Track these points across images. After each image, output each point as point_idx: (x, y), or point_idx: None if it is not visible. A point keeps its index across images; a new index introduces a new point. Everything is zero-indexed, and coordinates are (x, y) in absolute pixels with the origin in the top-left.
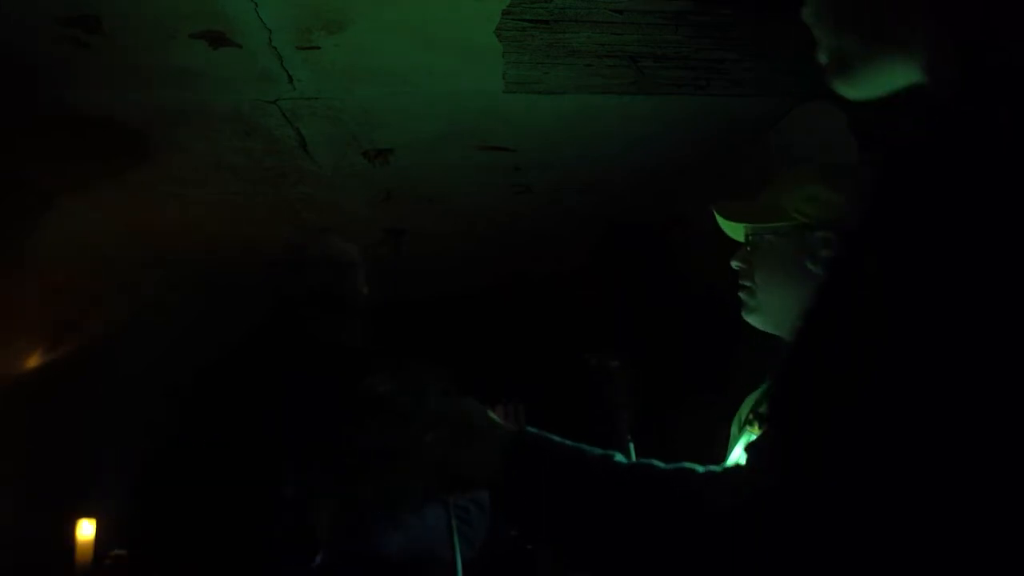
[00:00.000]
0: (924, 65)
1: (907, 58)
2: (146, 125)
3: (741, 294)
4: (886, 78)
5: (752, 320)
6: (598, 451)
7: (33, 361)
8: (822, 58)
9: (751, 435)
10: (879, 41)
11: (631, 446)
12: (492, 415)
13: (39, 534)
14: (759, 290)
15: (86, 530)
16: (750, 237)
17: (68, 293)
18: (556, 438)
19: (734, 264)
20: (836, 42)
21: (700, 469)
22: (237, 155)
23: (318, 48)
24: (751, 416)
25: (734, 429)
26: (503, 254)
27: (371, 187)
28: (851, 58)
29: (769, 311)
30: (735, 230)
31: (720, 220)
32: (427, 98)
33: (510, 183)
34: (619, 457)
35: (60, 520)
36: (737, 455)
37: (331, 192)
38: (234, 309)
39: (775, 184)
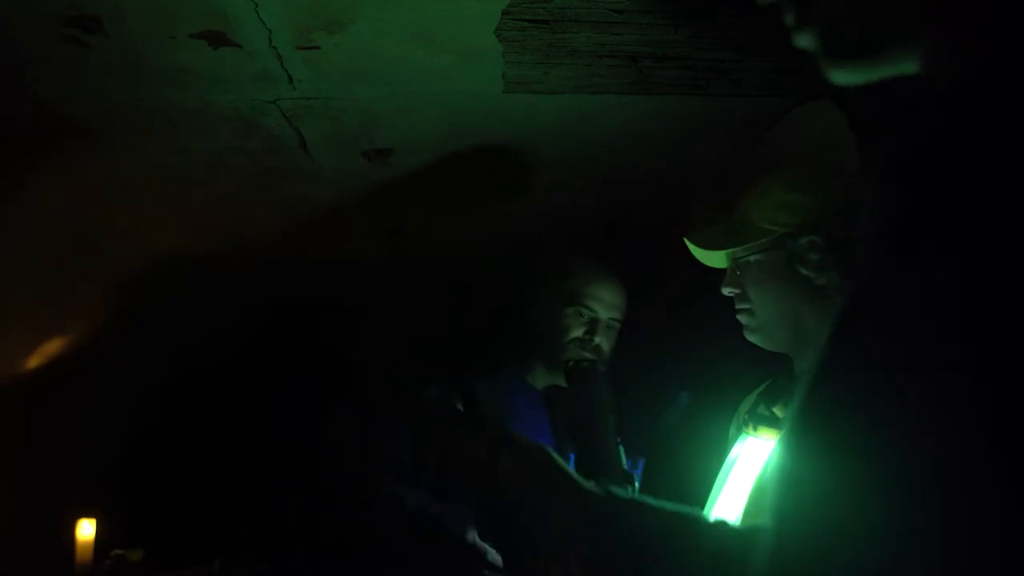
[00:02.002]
0: (929, 59)
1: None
2: (146, 125)
3: (740, 318)
4: (885, 67)
5: (757, 340)
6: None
7: (32, 361)
8: (805, 42)
9: (747, 436)
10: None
11: (620, 449)
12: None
13: (39, 534)
14: (758, 309)
15: (86, 530)
16: (733, 261)
17: (67, 292)
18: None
19: (725, 291)
20: (836, 27)
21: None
22: (237, 155)
23: (318, 48)
24: (746, 417)
25: (732, 431)
26: (503, 254)
27: (371, 187)
28: (849, 44)
29: (771, 328)
30: (715, 258)
31: (696, 251)
32: (427, 98)
33: (510, 183)
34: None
35: (60, 520)
36: (734, 454)
37: (331, 192)
38: (233, 309)
39: (743, 202)
